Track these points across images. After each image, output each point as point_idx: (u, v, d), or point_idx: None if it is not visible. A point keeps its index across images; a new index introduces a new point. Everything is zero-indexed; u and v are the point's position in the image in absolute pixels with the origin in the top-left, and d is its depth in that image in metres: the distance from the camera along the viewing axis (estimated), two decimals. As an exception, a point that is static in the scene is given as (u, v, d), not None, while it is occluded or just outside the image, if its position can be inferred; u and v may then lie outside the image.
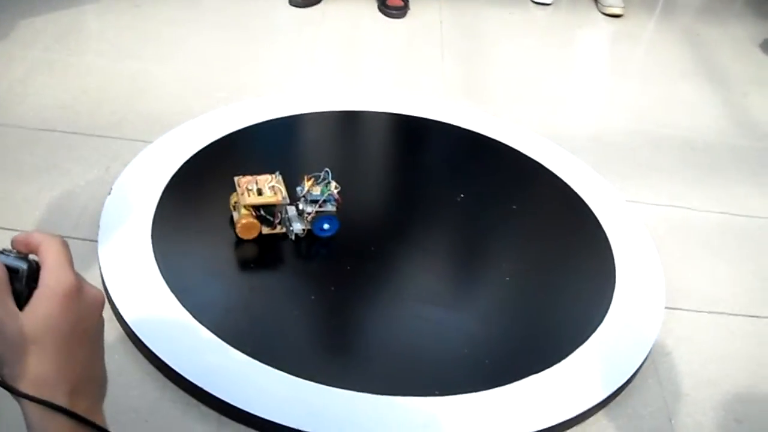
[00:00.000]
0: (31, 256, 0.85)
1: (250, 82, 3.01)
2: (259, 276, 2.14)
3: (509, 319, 2.08)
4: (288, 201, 2.15)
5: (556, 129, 2.89)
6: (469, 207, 2.41)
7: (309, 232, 2.17)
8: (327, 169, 2.16)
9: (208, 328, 1.89)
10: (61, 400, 0.78)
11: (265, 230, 2.17)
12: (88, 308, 0.83)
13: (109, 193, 2.29)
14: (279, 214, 2.15)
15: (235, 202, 2.18)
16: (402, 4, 3.66)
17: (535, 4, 3.96)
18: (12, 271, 0.82)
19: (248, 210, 2.13)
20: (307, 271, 2.17)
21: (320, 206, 2.13)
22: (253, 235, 2.15)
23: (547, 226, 2.41)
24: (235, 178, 2.18)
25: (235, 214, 2.17)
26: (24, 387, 0.78)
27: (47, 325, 0.79)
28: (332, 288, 2.08)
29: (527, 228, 2.38)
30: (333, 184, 2.15)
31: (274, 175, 2.18)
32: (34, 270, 0.83)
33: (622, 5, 3.88)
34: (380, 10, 3.68)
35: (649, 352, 2.02)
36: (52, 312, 0.80)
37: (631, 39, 3.78)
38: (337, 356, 1.95)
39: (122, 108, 2.77)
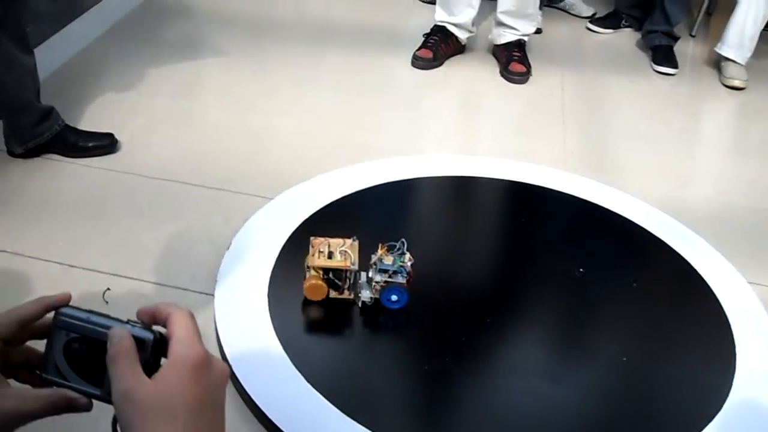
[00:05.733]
0: (156, 328, 0.88)
1: (369, 142, 3.03)
2: (371, 342, 2.14)
3: (624, 400, 2.02)
4: (356, 267, 2.12)
5: (677, 204, 2.83)
6: (589, 282, 2.36)
7: (378, 302, 2.15)
8: (403, 239, 2.13)
9: (321, 392, 1.88)
10: None
11: (333, 294, 2.14)
12: (215, 381, 0.85)
13: (228, 248, 2.31)
14: (347, 280, 2.13)
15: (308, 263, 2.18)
16: (524, 69, 3.65)
17: (658, 74, 3.91)
18: (138, 341, 0.84)
19: (317, 272, 2.12)
20: (421, 340, 2.15)
21: (390, 277, 2.10)
22: (320, 297, 2.13)
23: (667, 305, 2.34)
24: (311, 239, 2.17)
25: (307, 274, 2.15)
26: None
27: (177, 393, 0.81)
28: (446, 359, 2.05)
29: (646, 306, 2.32)
30: (407, 255, 2.12)
31: (349, 240, 2.16)
32: (159, 341, 0.86)
33: (745, 78, 3.80)
34: (502, 74, 3.68)
35: (769, 443, 1.95)
36: (183, 381, 0.81)
37: (756, 113, 3.69)
38: (448, 429, 1.92)
39: (243, 163, 2.82)
